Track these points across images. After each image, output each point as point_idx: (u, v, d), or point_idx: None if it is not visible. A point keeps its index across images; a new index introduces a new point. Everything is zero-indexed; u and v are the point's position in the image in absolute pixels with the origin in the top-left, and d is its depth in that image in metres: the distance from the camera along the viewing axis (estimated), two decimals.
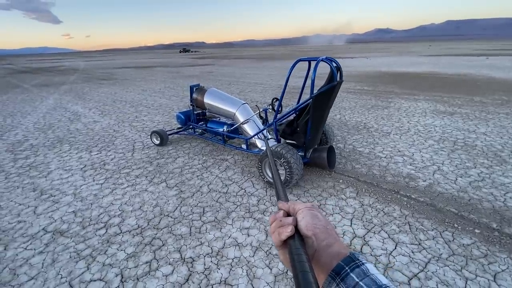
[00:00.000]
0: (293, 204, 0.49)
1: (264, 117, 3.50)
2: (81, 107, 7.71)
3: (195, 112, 4.41)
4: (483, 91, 8.26)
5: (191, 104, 4.32)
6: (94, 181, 3.30)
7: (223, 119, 4.52)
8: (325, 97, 2.80)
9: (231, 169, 3.52)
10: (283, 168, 2.81)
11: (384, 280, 0.36)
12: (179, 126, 4.71)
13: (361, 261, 0.39)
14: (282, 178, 2.87)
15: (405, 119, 5.56)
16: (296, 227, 0.44)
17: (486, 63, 17.15)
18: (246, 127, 3.70)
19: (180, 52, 79.70)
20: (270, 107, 3.63)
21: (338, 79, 2.83)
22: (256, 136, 3.56)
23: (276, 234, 0.44)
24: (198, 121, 4.49)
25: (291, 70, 2.93)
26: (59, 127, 5.68)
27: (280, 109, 3.66)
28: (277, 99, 3.66)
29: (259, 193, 2.93)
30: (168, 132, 4.49)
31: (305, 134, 3.01)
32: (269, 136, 3.76)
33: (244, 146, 3.68)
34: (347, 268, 0.38)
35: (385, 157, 3.76)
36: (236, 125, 3.76)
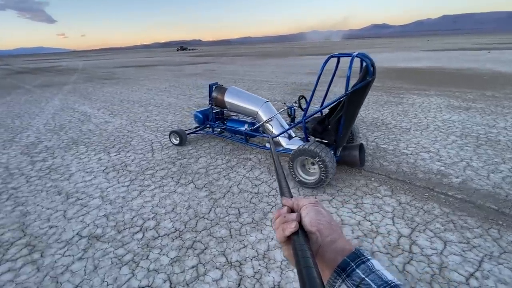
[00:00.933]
0: (297, 200, 0.49)
1: (293, 115, 3.43)
2: (88, 107, 7.60)
3: (214, 111, 4.34)
4: (492, 85, 8.23)
5: (210, 103, 4.24)
6: (119, 183, 3.22)
7: (242, 118, 4.45)
8: (359, 94, 2.74)
9: (257, 169, 3.46)
10: (317, 167, 2.75)
11: (389, 276, 0.36)
12: (196, 125, 4.63)
13: (366, 257, 0.39)
14: (317, 177, 2.81)
15: (421, 114, 5.52)
16: (300, 223, 0.43)
17: (488, 57, 17.15)
18: (269, 125, 3.64)
19: (178, 50, 79.21)
20: (296, 104, 3.55)
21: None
22: (282, 135, 3.50)
23: (280, 230, 0.43)
24: (216, 120, 4.42)
25: (324, 67, 2.87)
26: (70, 128, 5.58)
27: (300, 106, 3.60)
28: (303, 97, 3.60)
29: (292, 193, 2.87)
30: (186, 132, 4.41)
31: (337, 132, 2.95)
32: (293, 135, 3.70)
33: (268, 145, 3.62)
34: (352, 264, 0.38)
35: (411, 154, 3.71)
36: (260, 124, 3.69)
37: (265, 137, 3.58)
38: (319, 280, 0.32)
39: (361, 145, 3.14)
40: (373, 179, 3.09)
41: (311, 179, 2.87)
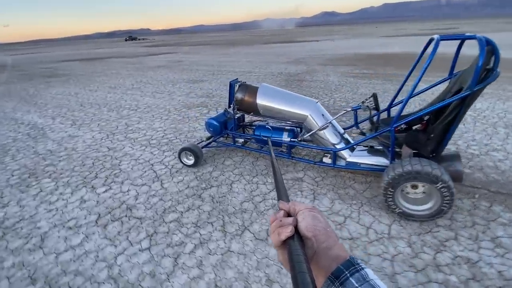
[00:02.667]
0: (294, 204, 0.48)
1: (376, 122, 2.60)
2: (37, 116, 5.81)
3: (236, 117, 3.30)
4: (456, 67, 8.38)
5: (232, 107, 3.18)
6: (132, 245, 2.08)
7: (271, 123, 3.50)
8: (480, 90, 2.02)
9: (322, 195, 2.59)
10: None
11: (383, 286, 0.35)
12: (209, 135, 3.55)
13: (360, 265, 0.38)
14: (432, 207, 2.06)
15: None
16: (296, 227, 0.43)
17: (445, 42, 18.22)
18: (326, 133, 2.77)
19: (126, 40, 71.99)
20: (368, 104, 2.73)
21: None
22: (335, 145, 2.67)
23: (275, 234, 0.43)
24: (237, 127, 3.40)
25: (434, 53, 2.08)
26: (19, 151, 4.00)
27: (374, 108, 2.80)
28: (375, 95, 2.79)
29: (398, 233, 2.08)
30: (198, 145, 3.30)
31: (441, 141, 2.21)
32: (352, 141, 2.89)
33: (327, 160, 2.76)
34: (346, 272, 0.38)
35: (481, 154, 3.19)
36: (311, 132, 2.78)
37: (329, 150, 2.70)
38: (313, 286, 0.31)
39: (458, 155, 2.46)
40: (477, 196, 2.44)
41: (423, 209, 2.10)
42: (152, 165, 3.34)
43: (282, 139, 3.01)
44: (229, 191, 2.71)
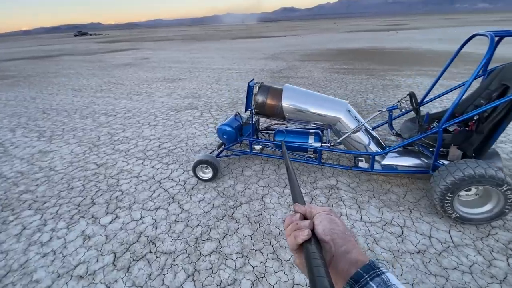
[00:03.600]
0: (310, 207, 0.47)
1: (425, 123, 2.45)
2: None
3: (254, 121, 2.98)
4: (453, 63, 9.01)
5: (251, 111, 2.85)
6: None
7: (290, 127, 3.25)
8: None
9: (365, 203, 2.41)
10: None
11: None
12: (220, 143, 3.18)
13: (381, 269, 0.36)
14: (497, 209, 1.99)
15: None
16: (312, 231, 0.42)
17: (402, 36, 19.57)
18: (360, 136, 2.60)
19: (76, 35, 65.35)
20: (404, 104, 2.61)
21: None
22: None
23: (292, 237, 0.42)
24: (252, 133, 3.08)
25: (492, 50, 1.98)
26: None
27: (415, 106, 2.69)
28: (413, 94, 2.66)
29: (461, 239, 1.97)
30: (211, 154, 2.92)
31: (488, 141, 2.17)
32: (383, 143, 2.77)
33: (363, 165, 2.59)
34: (366, 276, 0.36)
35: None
36: (346, 135, 2.58)
37: (367, 154, 2.53)
38: None
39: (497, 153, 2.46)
40: None
41: (482, 212, 2.03)
42: (160, 182, 2.88)
43: (309, 143, 2.78)
44: (264, 208, 2.40)
